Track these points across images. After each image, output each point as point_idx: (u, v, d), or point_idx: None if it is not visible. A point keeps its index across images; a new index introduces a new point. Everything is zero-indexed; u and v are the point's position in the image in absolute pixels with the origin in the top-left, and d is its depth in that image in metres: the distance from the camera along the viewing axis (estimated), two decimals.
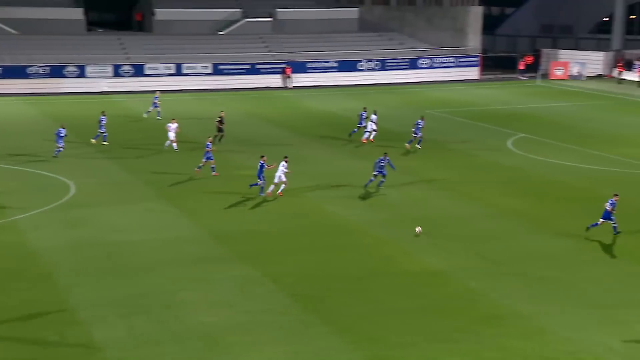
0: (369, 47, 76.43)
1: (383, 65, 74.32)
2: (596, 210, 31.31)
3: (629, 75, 71.58)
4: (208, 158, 36.26)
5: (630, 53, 75.53)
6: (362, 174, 36.49)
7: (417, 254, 26.77)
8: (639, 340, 20.15)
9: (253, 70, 70.83)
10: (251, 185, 33.25)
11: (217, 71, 69.47)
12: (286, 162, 33.09)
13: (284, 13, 78.30)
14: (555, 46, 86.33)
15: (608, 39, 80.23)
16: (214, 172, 36.30)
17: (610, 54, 76.74)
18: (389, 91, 68.05)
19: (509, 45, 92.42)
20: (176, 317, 21.55)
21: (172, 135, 41.63)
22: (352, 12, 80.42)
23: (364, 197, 33.68)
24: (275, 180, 33.03)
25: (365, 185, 34.38)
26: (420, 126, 42.63)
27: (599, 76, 75.50)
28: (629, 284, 23.75)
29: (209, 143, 36.54)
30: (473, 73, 76.34)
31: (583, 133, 47.09)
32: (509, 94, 65.59)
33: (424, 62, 75.51)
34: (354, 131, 45.42)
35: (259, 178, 32.82)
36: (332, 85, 70.73)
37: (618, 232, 28.11)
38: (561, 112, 55.76)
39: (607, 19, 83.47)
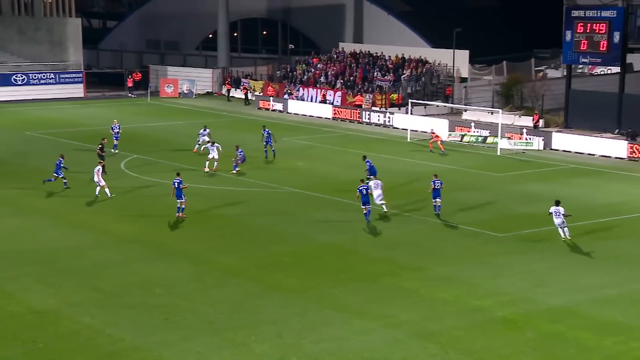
0: None
1: None
2: (213, 231, 32.39)
3: (236, 93, 75.54)
4: (179, 197, 34.10)
5: (237, 70, 79.74)
6: None
7: (20, 294, 25.39)
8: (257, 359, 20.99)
9: None
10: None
11: None
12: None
13: None
14: (164, 62, 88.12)
15: (215, 56, 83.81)
16: (180, 213, 34.17)
17: (218, 71, 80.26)
18: None
19: (115, 61, 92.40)
20: None
21: None
22: None
23: None
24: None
25: None
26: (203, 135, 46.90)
27: (209, 94, 78.63)
28: (247, 305, 24.72)
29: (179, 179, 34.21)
30: (77, 90, 74.91)
31: (197, 152, 48.37)
32: (118, 113, 65.12)
33: (19, 78, 72.41)
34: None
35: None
36: None
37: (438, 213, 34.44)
38: (174, 131, 56.92)
39: (212, 35, 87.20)
